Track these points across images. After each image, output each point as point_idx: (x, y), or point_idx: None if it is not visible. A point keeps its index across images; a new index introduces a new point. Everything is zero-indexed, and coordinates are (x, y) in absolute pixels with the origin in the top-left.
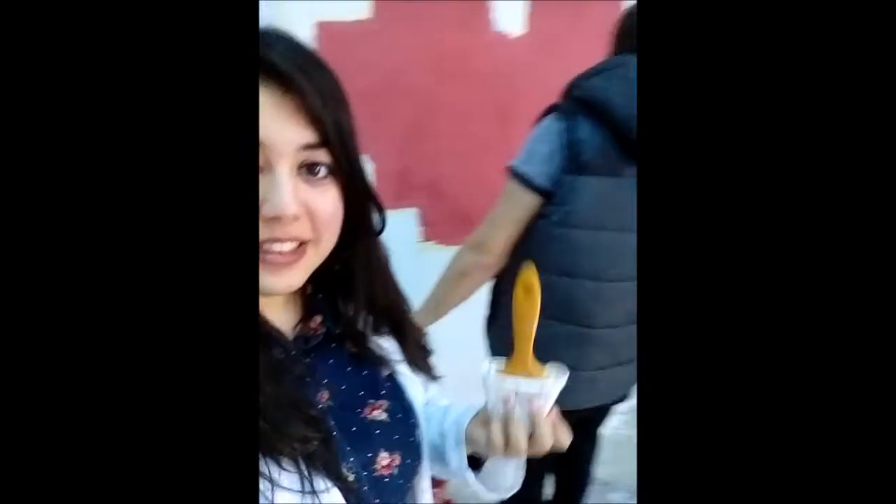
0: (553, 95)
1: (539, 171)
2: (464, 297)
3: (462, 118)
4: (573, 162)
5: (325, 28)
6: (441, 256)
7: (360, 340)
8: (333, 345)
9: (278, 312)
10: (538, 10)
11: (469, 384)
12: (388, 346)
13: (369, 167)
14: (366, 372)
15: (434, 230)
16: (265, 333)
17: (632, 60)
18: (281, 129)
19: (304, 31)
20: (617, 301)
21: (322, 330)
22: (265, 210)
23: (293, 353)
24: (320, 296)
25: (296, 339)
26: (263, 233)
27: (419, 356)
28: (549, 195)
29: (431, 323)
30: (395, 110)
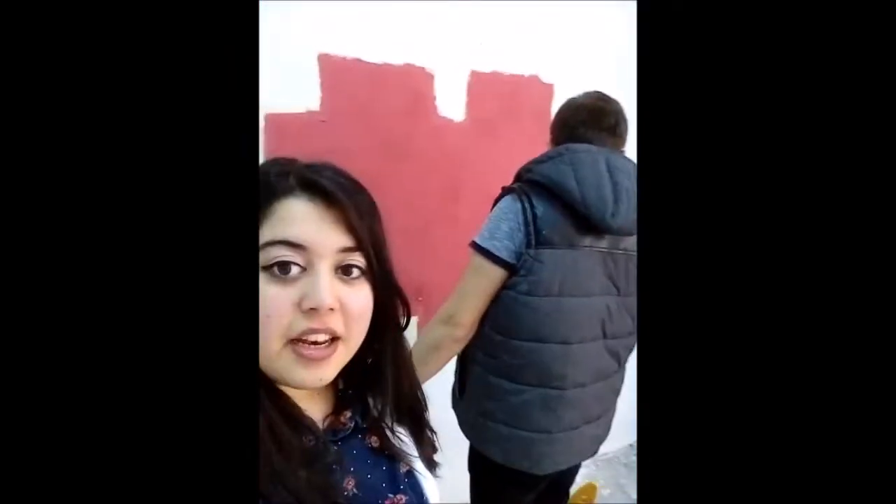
0: (493, 173)
1: (503, 247)
2: (436, 370)
3: (411, 197)
4: (534, 237)
5: (272, 119)
6: None
7: (383, 435)
8: (359, 436)
9: (310, 403)
10: (475, 98)
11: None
12: (406, 439)
13: None
14: (385, 466)
15: None
16: (299, 421)
17: (574, 148)
18: (323, 234)
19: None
20: (584, 361)
21: (350, 424)
22: (304, 303)
23: (323, 441)
24: (350, 392)
25: (325, 430)
26: (301, 325)
27: (429, 453)
28: (512, 268)
29: None
30: None
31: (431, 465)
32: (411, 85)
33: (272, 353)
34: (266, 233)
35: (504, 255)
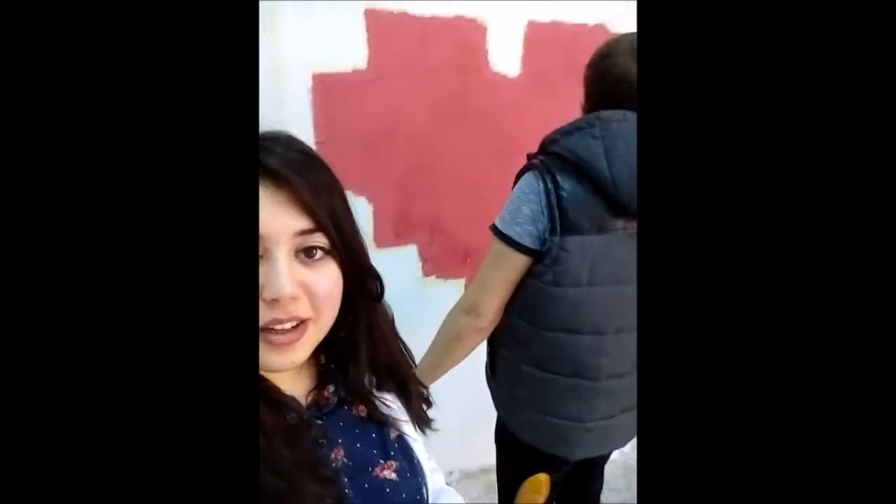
0: (549, 131)
1: (525, 233)
2: (460, 359)
3: (460, 157)
4: (559, 221)
5: (319, 79)
6: (441, 290)
7: (369, 403)
8: (345, 408)
9: (292, 381)
10: (531, 51)
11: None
12: (393, 404)
13: (367, 209)
14: (374, 434)
15: (434, 265)
16: (279, 401)
17: (606, 117)
18: (276, 219)
19: (300, 84)
20: (620, 351)
21: (334, 399)
22: (265, 293)
23: (306, 417)
24: (333, 366)
25: (309, 406)
26: (266, 315)
27: (422, 410)
28: (536, 254)
29: (429, 384)
30: (394, 153)
31: (424, 422)
32: (462, 38)
33: None
34: None
35: (527, 241)
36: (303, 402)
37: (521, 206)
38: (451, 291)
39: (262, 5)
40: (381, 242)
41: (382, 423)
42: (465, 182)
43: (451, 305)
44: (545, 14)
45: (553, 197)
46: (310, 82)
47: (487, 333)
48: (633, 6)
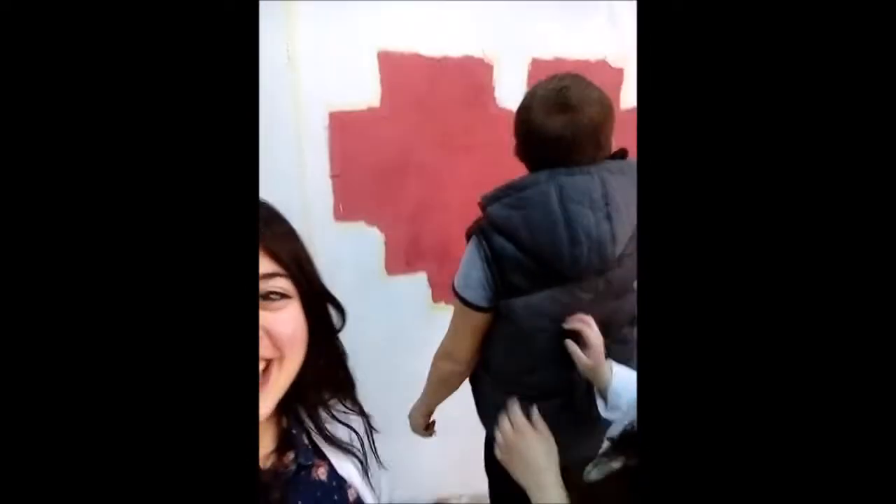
0: None
1: (478, 296)
2: (448, 395)
3: (468, 188)
4: (502, 285)
5: (336, 117)
6: (450, 315)
7: (329, 465)
8: (302, 473)
9: None
10: None
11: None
12: (353, 417)
13: (379, 238)
14: (336, 496)
15: (443, 291)
16: None
17: (520, 185)
18: None
19: (318, 121)
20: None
21: (293, 467)
22: None
23: (264, 482)
24: (294, 431)
25: (268, 470)
26: None
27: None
28: (495, 309)
29: (427, 416)
30: (405, 185)
31: (372, 430)
32: (470, 76)
33: None
34: None
35: (482, 302)
36: (261, 464)
37: (470, 271)
38: None
39: (282, 51)
40: (392, 270)
41: (341, 486)
42: (473, 212)
43: None
44: (549, 51)
45: (492, 262)
46: (327, 120)
47: (467, 373)
48: (633, 41)
